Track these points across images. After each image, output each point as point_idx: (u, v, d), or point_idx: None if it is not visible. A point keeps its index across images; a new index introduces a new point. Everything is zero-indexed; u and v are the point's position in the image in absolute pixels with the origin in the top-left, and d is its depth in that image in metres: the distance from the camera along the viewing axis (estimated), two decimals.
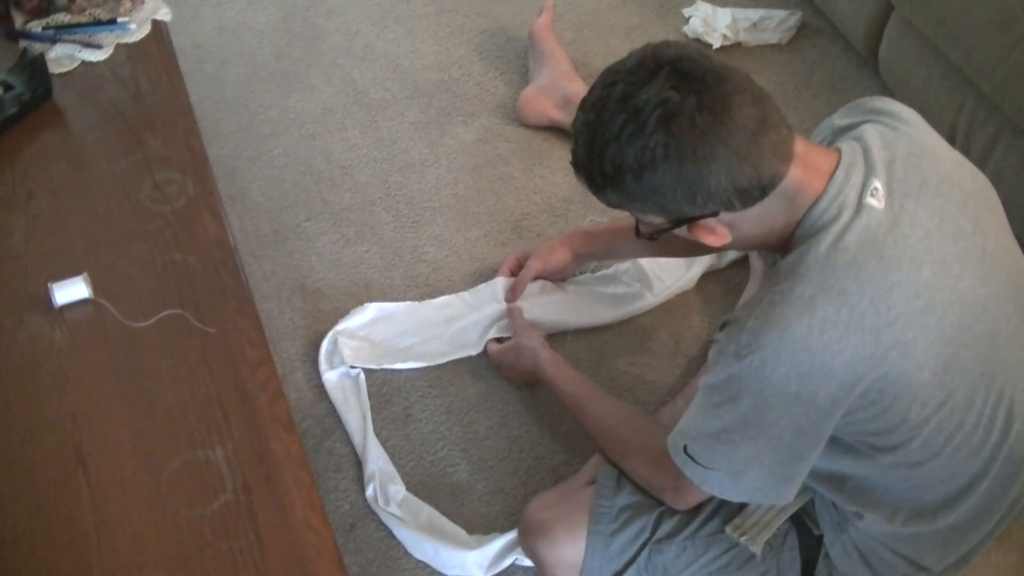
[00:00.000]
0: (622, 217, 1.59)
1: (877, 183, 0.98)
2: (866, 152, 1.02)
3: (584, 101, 1.00)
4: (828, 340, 0.94)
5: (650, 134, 0.93)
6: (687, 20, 2.21)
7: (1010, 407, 1.04)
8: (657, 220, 1.03)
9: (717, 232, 1.01)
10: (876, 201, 0.97)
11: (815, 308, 0.95)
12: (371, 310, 1.65)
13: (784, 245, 1.04)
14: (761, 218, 1.00)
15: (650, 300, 1.69)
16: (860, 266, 0.95)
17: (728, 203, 0.97)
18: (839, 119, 1.13)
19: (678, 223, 1.01)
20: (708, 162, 0.93)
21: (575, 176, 1.04)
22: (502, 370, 1.59)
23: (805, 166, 0.99)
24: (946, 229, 1.00)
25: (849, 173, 0.99)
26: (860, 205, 0.97)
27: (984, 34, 1.64)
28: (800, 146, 0.99)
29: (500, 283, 1.67)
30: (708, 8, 2.19)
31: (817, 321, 0.94)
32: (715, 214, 0.99)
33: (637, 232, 1.09)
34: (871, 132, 1.05)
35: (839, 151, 1.02)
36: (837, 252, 0.96)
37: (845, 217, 0.97)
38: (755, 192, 0.96)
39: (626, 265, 1.75)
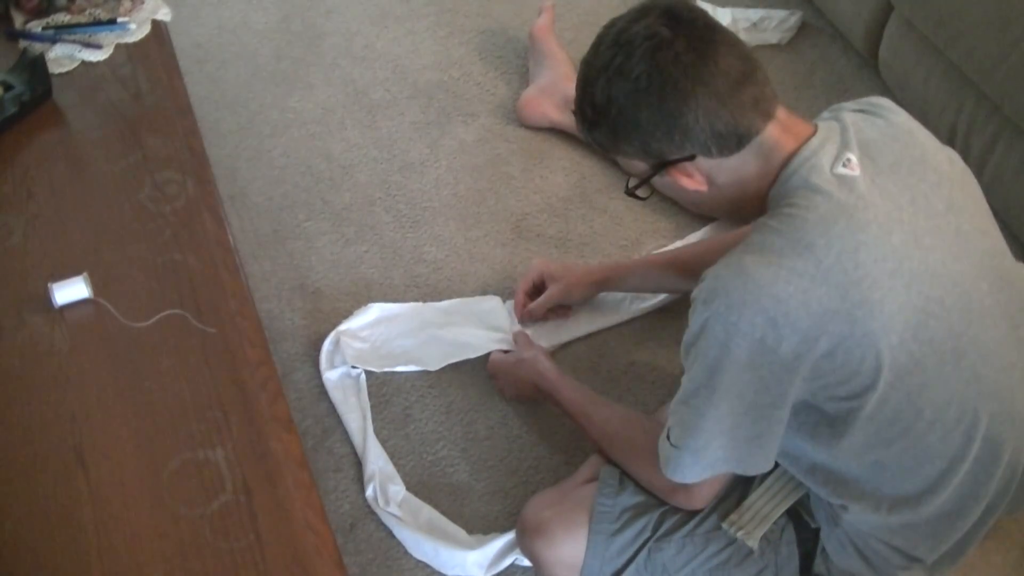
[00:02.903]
0: (647, 255, 1.64)
1: (850, 155, 1.02)
2: (843, 130, 1.05)
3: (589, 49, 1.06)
4: (793, 290, 0.96)
5: (635, 64, 0.99)
6: None
7: (981, 386, 1.04)
8: (642, 166, 1.08)
9: (695, 178, 1.05)
10: (849, 170, 1.01)
11: (783, 258, 0.97)
12: (374, 310, 1.65)
13: (760, 207, 1.07)
14: (736, 171, 1.04)
15: (652, 301, 1.69)
16: (829, 223, 0.97)
17: (705, 146, 1.01)
18: (824, 116, 1.16)
19: (659, 166, 1.06)
20: (687, 98, 0.98)
21: (576, 123, 1.09)
22: (498, 380, 1.58)
23: (783, 128, 1.03)
24: (918, 205, 1.02)
25: (824, 143, 1.03)
26: (833, 172, 1.00)
27: (984, 34, 1.64)
28: (781, 112, 1.04)
29: (500, 302, 1.68)
30: (708, 8, 2.19)
31: (784, 271, 0.96)
32: (692, 158, 1.03)
33: (626, 189, 1.14)
34: (849, 115, 1.09)
35: (816, 125, 1.06)
36: (808, 210, 0.99)
37: (816, 180, 1.00)
38: (731, 140, 1.01)
39: None
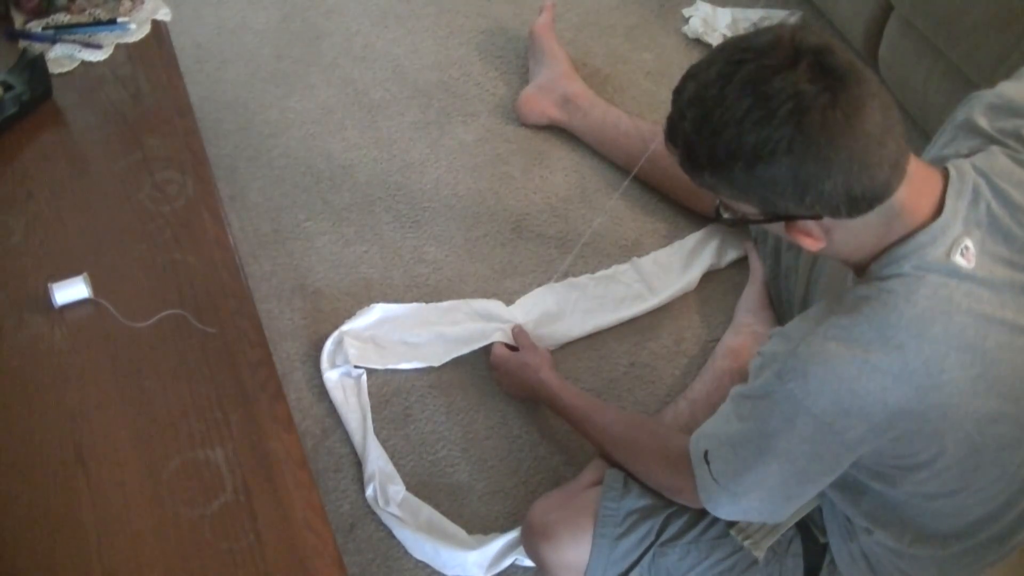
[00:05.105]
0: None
1: (969, 242, 0.95)
2: (974, 197, 0.97)
3: (699, 72, 0.93)
4: (874, 387, 0.93)
5: (778, 125, 0.87)
6: (687, 20, 2.21)
7: None
8: (750, 210, 0.97)
9: (814, 235, 0.96)
10: (965, 261, 0.94)
11: (869, 353, 0.93)
12: (377, 311, 1.65)
13: (861, 268, 1.00)
14: (858, 232, 0.96)
15: (652, 302, 1.69)
16: (925, 325, 0.92)
17: (835, 209, 0.92)
18: (977, 116, 1.07)
19: (775, 218, 0.96)
20: (830, 165, 0.88)
21: (667, 144, 0.97)
22: (499, 375, 1.58)
23: (912, 188, 0.94)
24: None
25: (948, 223, 0.95)
26: (947, 261, 0.94)
27: (984, 34, 1.64)
28: (912, 163, 0.94)
29: (503, 305, 1.68)
30: (708, 8, 2.19)
31: (868, 367, 0.93)
32: (818, 217, 0.94)
33: (716, 215, 1.03)
34: (993, 165, 0.99)
35: (946, 179, 0.97)
36: (908, 304, 0.93)
37: (927, 267, 0.94)
38: (865, 203, 0.92)
39: (625, 266, 1.75)
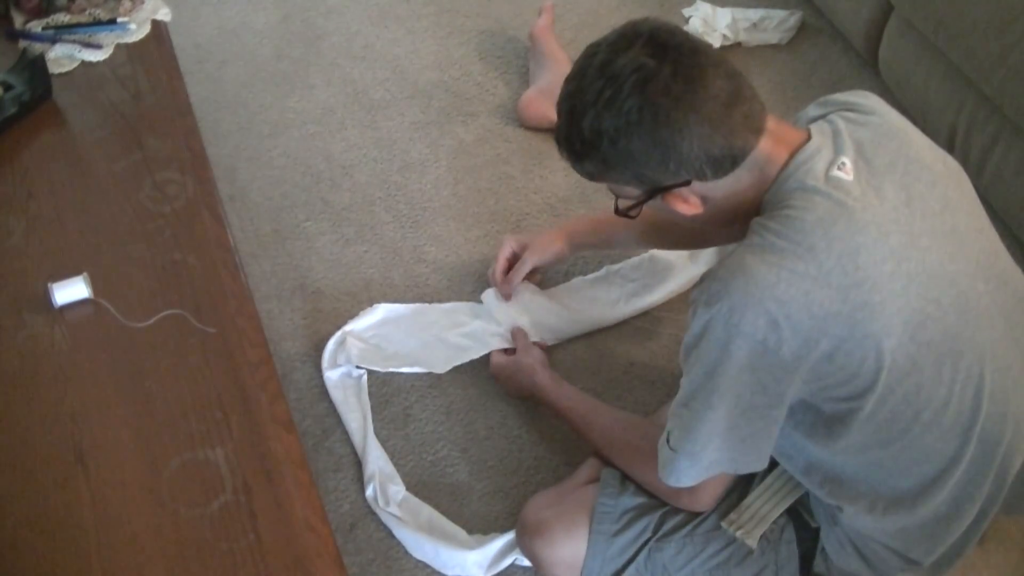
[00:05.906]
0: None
1: (844, 159, 1.01)
2: (835, 134, 1.05)
3: (568, 77, 1.03)
4: (795, 292, 0.96)
5: (625, 98, 0.97)
6: (687, 20, 2.21)
7: (979, 386, 1.04)
8: (633, 191, 1.06)
9: (690, 202, 1.04)
10: (844, 174, 1.00)
11: (784, 259, 0.97)
12: (380, 311, 1.65)
13: (754, 213, 1.06)
14: (732, 189, 1.03)
15: (650, 299, 1.69)
16: (829, 225, 0.97)
17: (700, 171, 1.00)
18: (812, 111, 1.15)
19: (653, 192, 1.05)
20: (681, 128, 0.97)
21: (558, 151, 1.07)
22: (500, 382, 1.58)
23: (775, 139, 1.02)
24: (914, 206, 1.01)
25: (819, 148, 1.02)
26: (828, 176, 1.00)
27: (984, 34, 1.64)
28: (771, 122, 1.03)
29: (502, 303, 1.67)
30: (708, 8, 2.19)
31: (785, 272, 0.96)
32: (687, 183, 1.02)
33: (616, 210, 1.12)
34: (840, 119, 1.08)
35: (808, 130, 1.06)
36: (807, 211, 0.98)
37: (812, 182, 1.00)
38: (726, 162, 1.00)
39: (619, 265, 1.74)
